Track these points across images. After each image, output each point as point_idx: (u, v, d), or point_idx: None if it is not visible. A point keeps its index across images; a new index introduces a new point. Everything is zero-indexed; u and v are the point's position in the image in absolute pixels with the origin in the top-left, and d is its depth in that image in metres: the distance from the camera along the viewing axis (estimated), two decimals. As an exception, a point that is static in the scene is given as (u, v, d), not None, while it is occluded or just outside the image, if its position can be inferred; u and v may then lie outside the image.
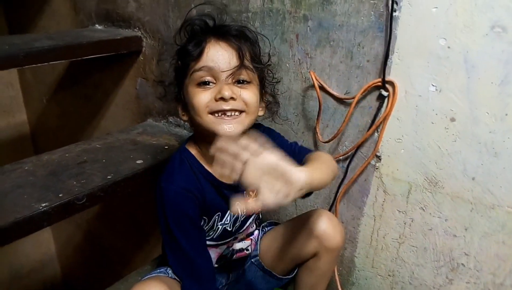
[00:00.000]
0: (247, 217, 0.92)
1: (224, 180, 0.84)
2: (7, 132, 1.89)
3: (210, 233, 0.88)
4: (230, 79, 0.75)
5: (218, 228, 0.87)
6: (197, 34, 0.78)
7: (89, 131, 1.58)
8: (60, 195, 0.88)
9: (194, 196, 0.79)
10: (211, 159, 0.82)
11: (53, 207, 0.85)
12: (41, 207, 0.83)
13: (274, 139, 0.90)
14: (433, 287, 0.93)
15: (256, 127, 0.91)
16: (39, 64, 1.03)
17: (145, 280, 0.82)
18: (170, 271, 0.88)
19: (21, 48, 0.99)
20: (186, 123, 1.25)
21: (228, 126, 0.74)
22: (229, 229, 0.89)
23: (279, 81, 0.93)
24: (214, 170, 0.83)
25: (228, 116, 0.75)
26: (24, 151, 1.93)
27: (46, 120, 1.82)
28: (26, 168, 0.99)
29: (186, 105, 0.80)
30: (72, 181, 0.94)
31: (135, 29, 1.25)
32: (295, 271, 0.96)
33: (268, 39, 0.95)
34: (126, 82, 1.35)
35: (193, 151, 0.84)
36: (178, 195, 0.78)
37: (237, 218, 0.90)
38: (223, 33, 0.76)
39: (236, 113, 0.75)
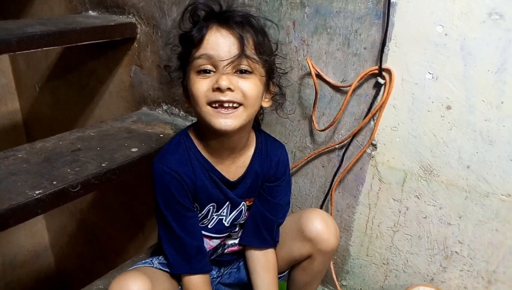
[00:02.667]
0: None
1: (222, 172, 0.83)
2: (0, 120, 1.87)
3: (205, 222, 0.87)
4: (229, 68, 0.71)
5: (213, 218, 0.87)
6: (200, 19, 0.75)
7: (83, 120, 1.56)
8: (54, 183, 0.87)
9: (182, 180, 0.79)
10: (210, 148, 0.82)
11: (47, 194, 0.84)
12: (35, 194, 0.82)
13: (279, 168, 0.88)
14: (427, 275, 0.94)
15: (267, 137, 0.89)
16: (32, 50, 1.01)
17: (126, 272, 0.80)
18: (155, 261, 0.88)
19: (14, 34, 0.97)
20: (181, 112, 1.24)
21: (224, 121, 0.72)
22: (226, 225, 0.88)
23: (287, 72, 0.91)
24: (213, 160, 0.82)
25: (225, 107, 0.72)
26: (17, 140, 1.92)
27: (39, 108, 1.80)
28: (20, 155, 0.98)
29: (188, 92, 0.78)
30: (66, 169, 0.93)
31: (129, 15, 1.23)
32: (289, 269, 0.96)
33: (277, 26, 0.92)
34: (120, 69, 1.34)
35: (193, 136, 0.83)
36: (166, 175, 0.78)
37: (237, 217, 0.89)
38: (225, 19, 0.72)
39: (235, 105, 0.72)
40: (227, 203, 0.86)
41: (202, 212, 0.85)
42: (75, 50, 1.40)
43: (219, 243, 0.92)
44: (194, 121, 0.87)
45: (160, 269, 0.86)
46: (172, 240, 0.82)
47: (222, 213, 0.87)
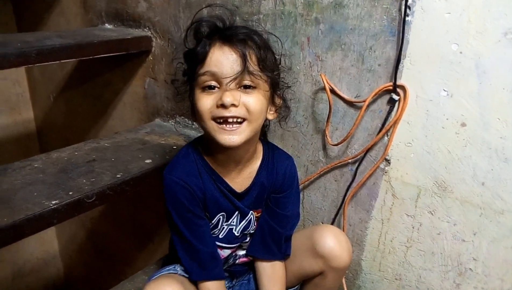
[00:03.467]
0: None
1: (229, 183, 0.84)
2: (14, 129, 1.89)
3: (215, 232, 0.88)
4: (233, 84, 0.73)
5: (223, 227, 0.88)
6: (203, 36, 0.77)
7: (96, 130, 1.58)
8: (70, 193, 0.88)
9: (192, 189, 0.80)
10: (217, 160, 0.83)
11: (63, 204, 0.85)
12: (51, 205, 0.84)
13: (286, 178, 0.89)
14: (440, 292, 0.93)
15: (274, 149, 0.90)
16: (50, 62, 1.04)
17: (157, 278, 0.83)
18: (178, 268, 0.88)
19: (33, 46, 0.99)
20: (194, 124, 1.25)
21: (229, 137, 0.74)
22: (236, 234, 0.89)
23: (290, 86, 0.92)
24: (220, 171, 0.83)
25: (229, 123, 0.74)
26: (30, 149, 1.94)
27: (53, 118, 1.82)
28: (36, 165, 0.99)
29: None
30: (82, 179, 0.94)
31: (145, 29, 1.25)
32: (299, 284, 0.96)
33: (280, 41, 0.94)
34: (134, 81, 1.36)
35: (201, 148, 0.85)
36: (176, 185, 0.80)
37: (247, 226, 0.89)
38: (228, 36, 0.74)
39: (239, 120, 0.74)
40: (236, 212, 0.87)
41: (213, 221, 0.86)
42: (91, 62, 1.42)
43: (230, 253, 0.92)
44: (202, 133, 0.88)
45: (183, 275, 0.87)
46: (187, 248, 0.83)
47: (232, 223, 0.88)
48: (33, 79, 1.84)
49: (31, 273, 2.15)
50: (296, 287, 0.97)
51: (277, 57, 0.83)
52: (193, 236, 0.82)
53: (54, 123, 1.83)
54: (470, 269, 0.87)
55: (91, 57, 1.13)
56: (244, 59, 0.72)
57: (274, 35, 0.92)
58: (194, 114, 0.80)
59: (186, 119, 1.27)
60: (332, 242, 0.84)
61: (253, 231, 0.92)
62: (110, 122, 1.51)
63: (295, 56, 0.97)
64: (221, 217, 0.86)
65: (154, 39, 1.24)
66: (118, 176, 0.98)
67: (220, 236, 0.88)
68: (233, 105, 0.72)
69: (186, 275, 0.86)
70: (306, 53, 0.95)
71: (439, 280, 0.92)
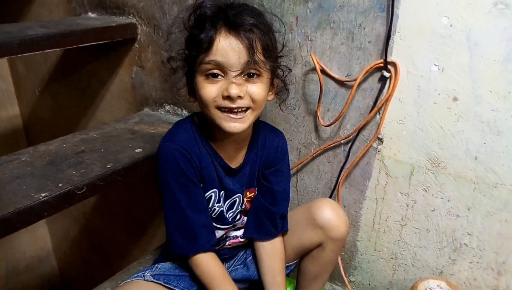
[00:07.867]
0: (244, 211, 0.92)
1: (225, 159, 0.84)
2: (0, 126, 1.86)
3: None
4: (239, 76, 0.72)
5: (215, 209, 0.87)
6: (207, 21, 0.73)
7: (84, 123, 1.55)
8: (59, 185, 0.86)
9: (191, 157, 0.80)
10: (214, 138, 0.83)
11: (53, 196, 0.83)
12: (41, 197, 0.82)
13: (278, 153, 0.89)
14: (436, 268, 0.93)
15: (266, 126, 0.90)
16: (33, 53, 1.01)
17: (122, 286, 0.83)
18: (147, 274, 0.88)
19: (15, 36, 0.96)
20: (184, 111, 1.23)
21: (233, 125, 0.75)
22: (225, 214, 0.88)
23: (291, 70, 0.91)
24: (216, 147, 0.83)
25: (234, 112, 0.74)
26: (18, 145, 1.91)
27: (40, 112, 1.79)
28: (23, 159, 0.97)
29: (193, 89, 0.78)
30: (71, 171, 0.92)
31: (130, 16, 1.22)
32: (298, 259, 0.96)
33: (284, 25, 0.92)
34: (121, 71, 1.33)
35: (199, 122, 0.84)
36: (176, 151, 0.79)
37: (232, 205, 0.89)
38: (234, 23, 0.71)
39: (243, 109, 0.75)
40: (222, 192, 0.87)
41: (205, 195, 0.85)
42: (75, 52, 1.39)
43: (223, 234, 0.91)
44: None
45: (152, 281, 0.86)
46: (180, 219, 0.82)
47: (221, 205, 0.88)
48: (17, 73, 1.80)
49: (25, 271, 2.13)
50: (294, 262, 0.96)
51: (280, 40, 0.82)
52: (189, 204, 0.81)
53: (41, 117, 1.80)
54: (465, 244, 0.88)
55: (74, 46, 1.10)
56: (251, 50, 0.71)
57: (277, 16, 0.90)
58: (192, 93, 0.80)
59: (175, 107, 1.26)
60: (330, 213, 0.86)
61: (240, 210, 0.91)
62: (98, 114, 1.49)
63: (284, 37, 0.95)
64: (213, 193, 0.86)
65: (139, 26, 1.22)
66: (108, 166, 0.96)
67: (213, 215, 0.88)
68: (239, 97, 0.73)
69: (156, 280, 0.86)
70: (295, 34, 0.94)
71: (434, 257, 0.93)
